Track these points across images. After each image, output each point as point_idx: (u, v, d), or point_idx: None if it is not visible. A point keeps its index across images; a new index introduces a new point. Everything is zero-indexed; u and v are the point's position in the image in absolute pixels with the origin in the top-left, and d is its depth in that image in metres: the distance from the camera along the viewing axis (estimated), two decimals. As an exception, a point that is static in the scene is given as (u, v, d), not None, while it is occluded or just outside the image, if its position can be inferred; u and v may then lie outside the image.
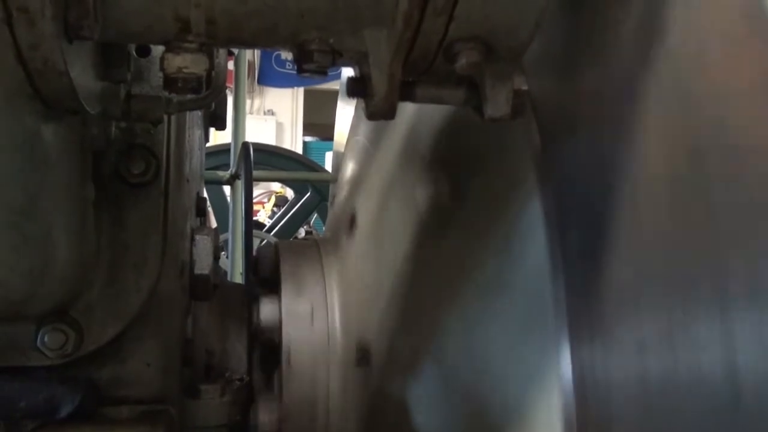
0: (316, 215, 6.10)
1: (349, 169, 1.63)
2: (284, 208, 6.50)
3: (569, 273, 0.86)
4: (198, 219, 1.58)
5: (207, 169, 4.40)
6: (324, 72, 0.81)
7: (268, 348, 1.30)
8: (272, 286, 1.35)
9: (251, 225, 2.10)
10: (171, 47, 0.77)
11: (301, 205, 5.71)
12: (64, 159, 0.86)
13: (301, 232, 6.58)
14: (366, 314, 1.24)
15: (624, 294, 0.77)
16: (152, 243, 1.08)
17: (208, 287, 1.22)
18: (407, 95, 0.83)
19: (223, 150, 4.45)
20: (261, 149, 5.33)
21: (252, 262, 1.48)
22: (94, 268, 1.04)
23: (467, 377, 1.04)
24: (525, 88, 0.82)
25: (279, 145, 11.81)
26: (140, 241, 1.07)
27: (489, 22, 0.74)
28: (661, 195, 0.73)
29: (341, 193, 1.64)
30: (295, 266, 1.33)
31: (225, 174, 3.87)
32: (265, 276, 1.40)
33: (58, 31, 0.65)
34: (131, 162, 1.06)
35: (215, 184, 4.18)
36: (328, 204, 1.92)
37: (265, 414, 1.29)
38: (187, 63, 0.77)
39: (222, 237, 4.62)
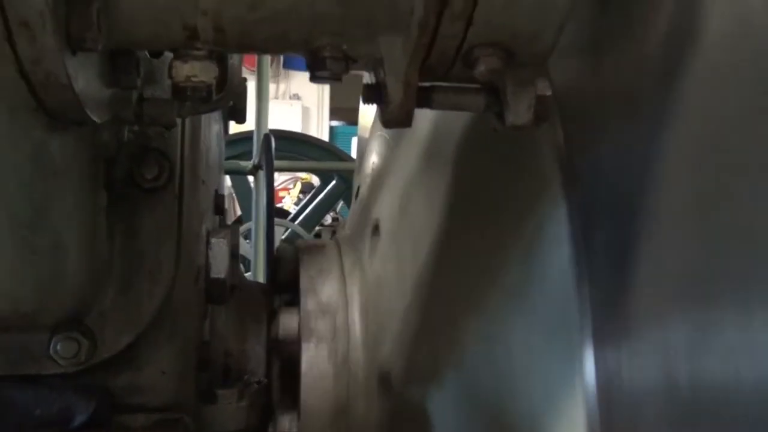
0: (342, 202, 6.09)
1: (372, 163, 1.60)
2: (309, 195, 6.47)
3: (594, 280, 0.84)
4: (217, 217, 1.56)
5: (230, 158, 4.41)
6: (338, 78, 0.78)
7: (287, 361, 1.28)
8: (292, 293, 1.32)
9: (272, 223, 2.08)
10: (179, 55, 0.74)
11: (326, 193, 5.68)
12: (73, 169, 0.84)
13: (327, 219, 6.57)
14: (387, 327, 1.21)
15: (650, 301, 0.75)
16: (166, 249, 1.06)
17: (224, 291, 1.20)
18: (424, 101, 0.80)
19: (245, 138, 4.44)
20: (285, 136, 5.31)
21: (272, 264, 1.46)
22: (107, 275, 1.02)
23: (489, 387, 1.02)
24: (548, 93, 0.79)
25: (305, 130, 11.80)
26: (154, 248, 1.05)
27: (509, 27, 0.71)
28: (689, 201, 0.71)
29: (364, 186, 1.61)
30: (315, 277, 1.29)
31: (247, 164, 3.86)
32: (284, 280, 1.38)
33: (60, 45, 0.62)
34: (144, 166, 1.03)
35: (237, 175, 4.18)
36: (353, 195, 1.89)
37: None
38: (196, 71, 0.74)
39: (247, 225, 4.63)
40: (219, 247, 1.20)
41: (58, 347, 0.98)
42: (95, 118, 0.75)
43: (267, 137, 2.35)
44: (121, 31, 0.70)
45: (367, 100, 0.80)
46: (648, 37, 0.79)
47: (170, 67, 0.74)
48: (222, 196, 1.63)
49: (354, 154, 4.09)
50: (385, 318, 1.22)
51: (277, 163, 3.28)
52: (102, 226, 0.98)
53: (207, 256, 1.19)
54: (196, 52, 0.74)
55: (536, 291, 0.93)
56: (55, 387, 1.02)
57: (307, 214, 5.69)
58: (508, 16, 0.69)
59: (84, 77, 0.69)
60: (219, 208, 1.57)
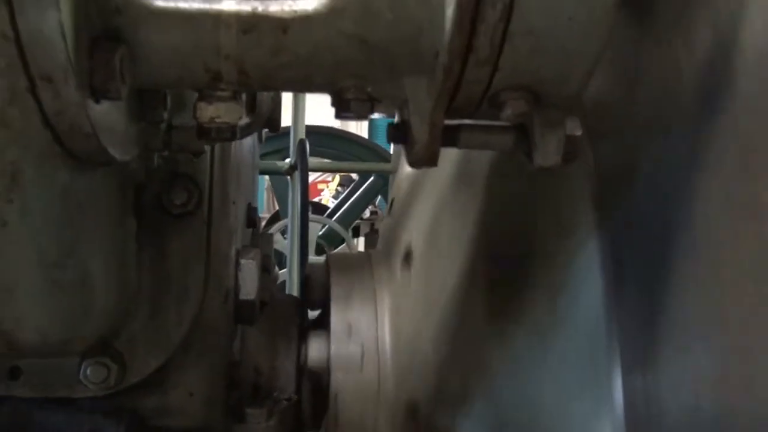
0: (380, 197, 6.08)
1: (406, 175, 1.59)
2: (348, 190, 6.47)
3: (624, 316, 0.83)
4: (249, 230, 1.56)
5: (267, 154, 4.42)
6: (364, 118, 0.78)
7: (317, 382, 1.28)
8: (323, 312, 1.32)
9: (307, 232, 2.07)
10: (203, 96, 0.74)
11: (364, 189, 5.67)
12: (101, 204, 0.84)
13: (366, 212, 6.57)
14: (417, 357, 1.20)
15: (680, 336, 0.74)
16: (195, 273, 1.06)
17: (253, 312, 1.20)
18: (450, 141, 0.79)
19: (283, 134, 4.45)
20: (323, 132, 5.31)
21: (303, 282, 1.46)
22: (136, 299, 1.03)
23: (518, 420, 1.01)
24: (578, 133, 0.77)
25: (344, 124, 11.78)
26: (182, 272, 1.06)
27: (537, 72, 0.69)
28: (723, 236, 0.69)
29: (397, 201, 1.59)
30: (345, 302, 1.29)
31: (284, 164, 3.87)
32: (315, 298, 1.38)
33: (83, 97, 0.63)
34: (173, 192, 1.04)
35: (274, 175, 4.19)
36: (387, 199, 1.88)
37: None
38: (220, 112, 0.74)
39: (284, 222, 4.65)
40: (248, 269, 1.20)
41: (88, 372, 1.00)
42: (121, 158, 0.76)
43: (302, 142, 2.35)
44: (144, 75, 0.70)
45: (392, 140, 0.79)
46: (684, 64, 0.77)
47: (195, 108, 0.74)
48: (254, 209, 1.63)
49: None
50: (414, 346, 1.21)
51: (312, 163, 3.28)
52: (131, 253, 0.99)
53: (236, 278, 1.20)
54: (220, 93, 0.74)
55: (566, 324, 0.92)
56: (85, 409, 1.03)
57: (344, 211, 5.69)
58: (534, 62, 0.68)
59: (108, 122, 0.69)
60: (251, 221, 1.57)
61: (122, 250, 0.94)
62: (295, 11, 0.65)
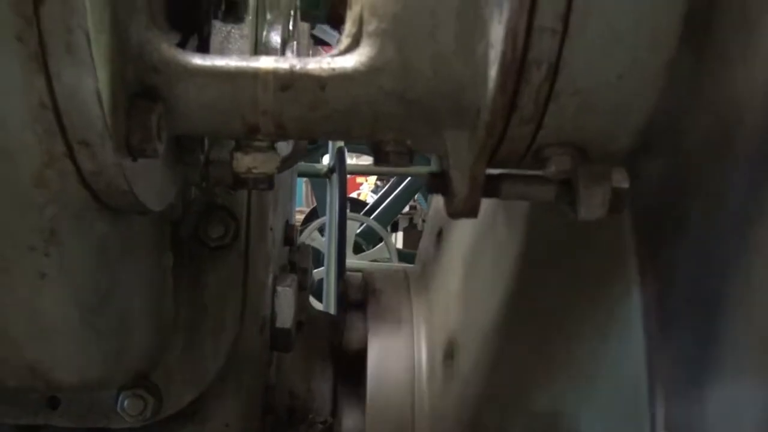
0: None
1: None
2: (387, 186, 6.45)
3: (669, 368, 0.80)
4: (286, 248, 1.55)
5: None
6: (404, 167, 0.76)
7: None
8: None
9: (345, 233, 2.07)
10: (240, 146, 0.73)
11: (403, 187, 5.65)
12: (138, 248, 0.84)
13: (405, 207, 6.55)
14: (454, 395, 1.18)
15: (725, 397, 0.71)
16: (231, 305, 1.06)
17: (290, 340, 1.20)
18: (491, 192, 0.76)
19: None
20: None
21: (339, 299, 1.45)
22: (173, 331, 1.03)
23: None
24: (626, 186, 0.74)
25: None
26: (219, 304, 1.05)
27: (584, 129, 0.67)
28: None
29: (435, 216, 1.57)
30: (383, 346, 1.27)
31: (322, 167, 3.87)
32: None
33: (120, 158, 0.62)
34: (210, 226, 1.03)
35: (313, 177, 4.20)
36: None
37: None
38: (257, 163, 0.73)
39: (322, 220, 4.66)
40: (285, 297, 1.19)
41: (125, 404, 1.00)
42: (159, 208, 0.75)
43: (341, 150, 2.34)
44: (181, 126, 0.69)
45: (431, 190, 0.77)
46: (737, 129, 0.73)
47: (231, 157, 0.74)
48: (292, 227, 1.62)
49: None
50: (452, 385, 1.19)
51: (351, 166, 3.27)
52: (168, 288, 0.99)
53: (273, 305, 1.19)
54: (257, 143, 0.73)
55: (606, 376, 0.89)
56: (123, 439, 1.04)
57: (383, 209, 5.68)
58: (581, 120, 0.65)
59: (145, 176, 0.69)
60: (289, 239, 1.57)
61: (160, 287, 0.94)
62: (334, 69, 0.64)
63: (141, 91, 0.64)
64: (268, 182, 0.74)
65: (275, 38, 0.99)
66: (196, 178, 0.93)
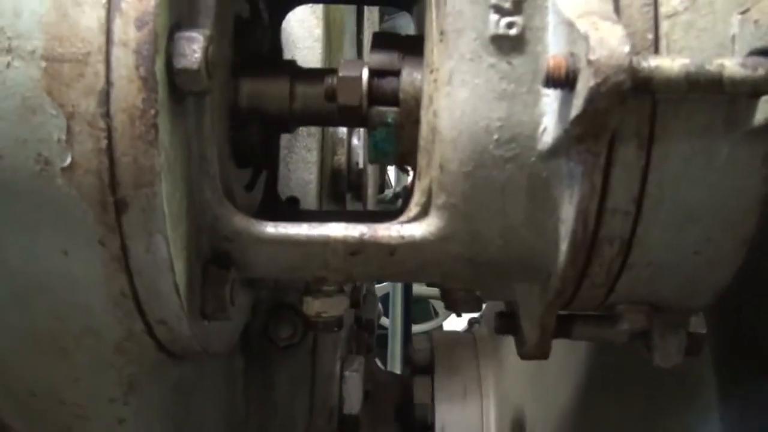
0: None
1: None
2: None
3: None
4: (352, 311, 1.56)
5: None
6: (474, 312, 0.76)
7: None
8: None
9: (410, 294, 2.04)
10: (310, 290, 0.74)
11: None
12: (210, 374, 0.86)
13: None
14: None
15: None
16: (300, 400, 1.07)
17: (357, 425, 1.20)
18: (563, 332, 0.75)
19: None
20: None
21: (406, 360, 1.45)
22: (244, 428, 1.05)
23: None
24: (703, 331, 0.72)
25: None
26: (288, 400, 1.07)
27: (657, 293, 0.65)
28: None
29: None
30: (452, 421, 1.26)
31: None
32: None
33: (195, 329, 0.64)
34: (279, 326, 1.05)
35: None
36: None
37: None
38: (326, 307, 0.74)
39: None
40: (353, 382, 1.19)
41: None
42: (227, 350, 0.77)
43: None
44: (252, 276, 0.71)
45: (500, 331, 0.76)
46: None
47: (302, 301, 0.74)
48: (358, 290, 1.63)
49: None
50: None
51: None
52: (239, 390, 1.01)
53: (340, 390, 1.20)
54: (326, 288, 0.73)
55: None
56: None
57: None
58: (655, 286, 0.64)
59: (218, 332, 0.71)
60: (355, 302, 1.57)
61: (232, 395, 0.96)
62: (403, 237, 0.64)
63: (214, 259, 0.65)
64: (338, 324, 0.75)
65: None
66: (265, 289, 0.95)
